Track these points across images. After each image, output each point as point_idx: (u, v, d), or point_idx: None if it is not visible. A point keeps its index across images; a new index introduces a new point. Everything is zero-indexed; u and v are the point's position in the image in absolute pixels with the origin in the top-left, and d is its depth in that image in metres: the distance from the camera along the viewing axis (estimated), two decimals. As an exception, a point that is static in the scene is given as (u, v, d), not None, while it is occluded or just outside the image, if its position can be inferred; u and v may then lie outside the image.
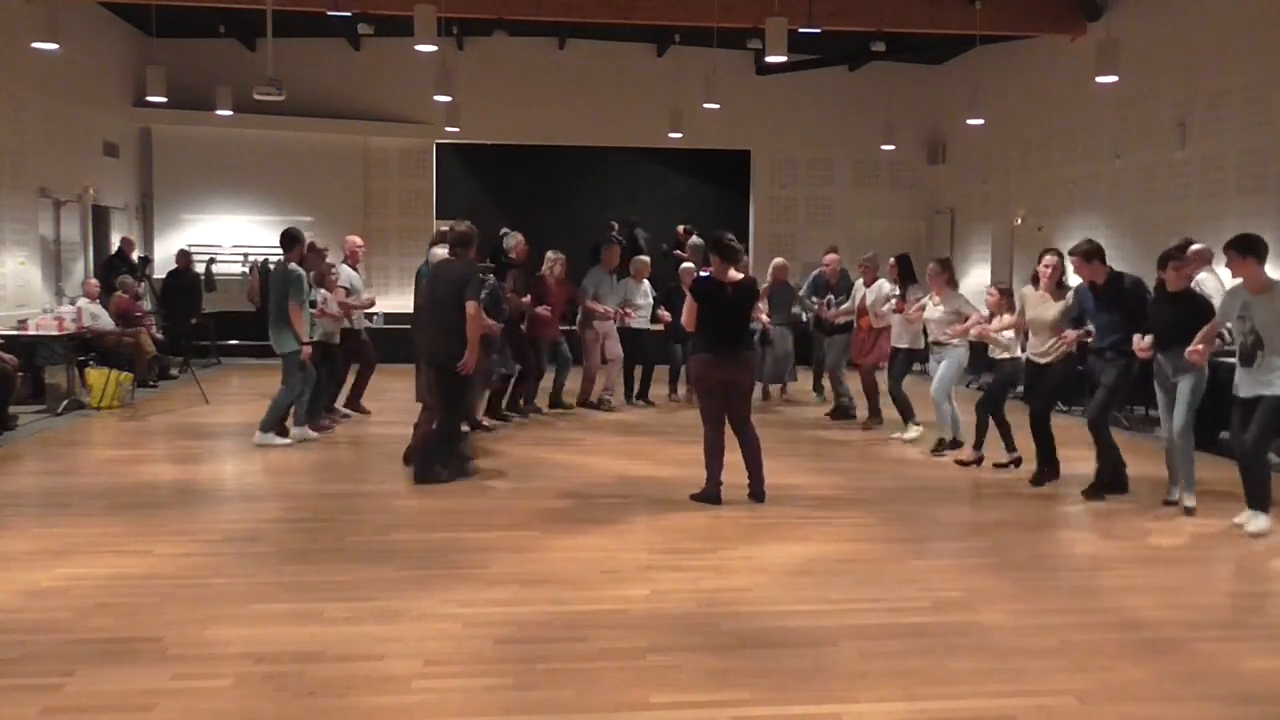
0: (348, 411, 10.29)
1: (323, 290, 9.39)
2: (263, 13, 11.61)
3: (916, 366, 9.87)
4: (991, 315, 8.11)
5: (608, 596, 4.92)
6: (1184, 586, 5.22)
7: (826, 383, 11.24)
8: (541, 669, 4.04)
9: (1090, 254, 6.89)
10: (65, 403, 10.23)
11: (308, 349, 8.66)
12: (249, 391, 12.44)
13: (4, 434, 8.88)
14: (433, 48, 10.32)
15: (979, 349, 8.91)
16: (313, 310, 8.94)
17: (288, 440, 8.81)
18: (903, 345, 9.23)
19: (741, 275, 6.78)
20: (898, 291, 9.31)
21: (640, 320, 11.24)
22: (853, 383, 10.55)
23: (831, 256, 10.95)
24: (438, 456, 7.40)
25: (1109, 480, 7.09)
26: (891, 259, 9.48)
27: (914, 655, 4.22)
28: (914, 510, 6.79)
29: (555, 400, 10.90)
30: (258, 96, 11.60)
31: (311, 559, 5.48)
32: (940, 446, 8.64)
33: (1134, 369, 6.89)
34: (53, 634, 4.32)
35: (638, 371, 11.46)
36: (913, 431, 9.25)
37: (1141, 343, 6.61)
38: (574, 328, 11.33)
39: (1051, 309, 7.35)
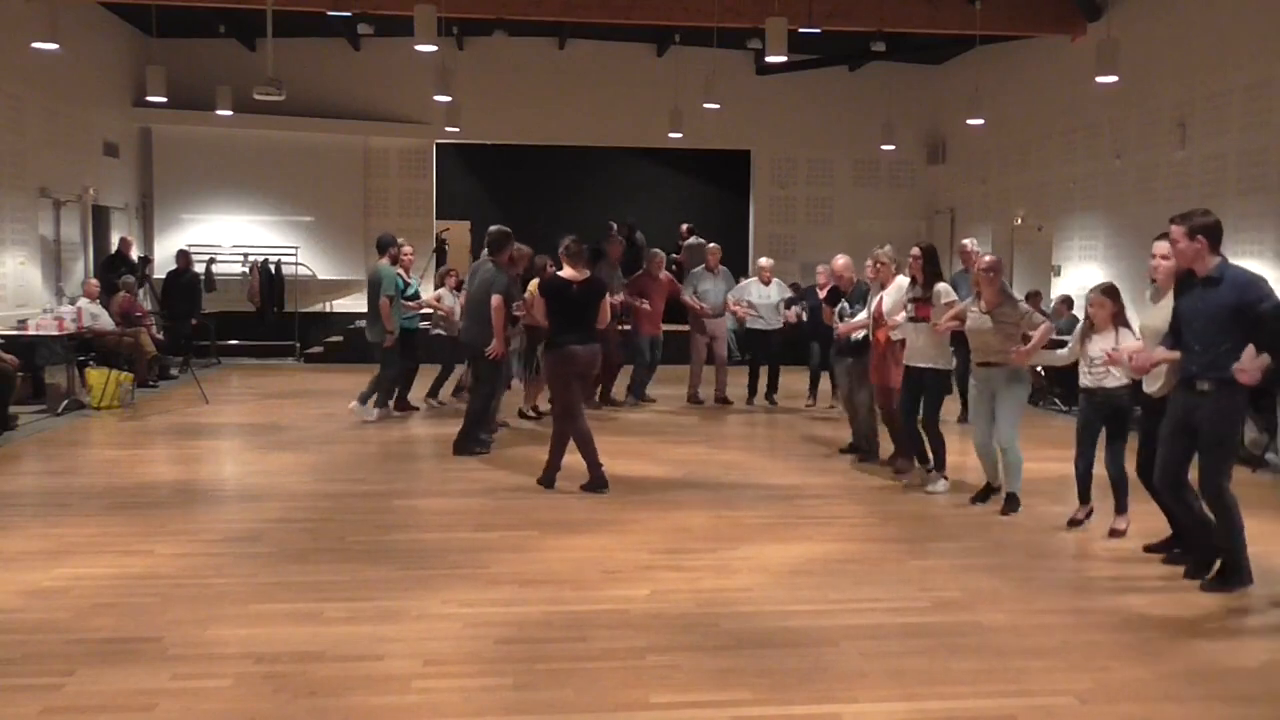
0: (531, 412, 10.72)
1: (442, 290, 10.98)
2: (263, 13, 11.62)
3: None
4: (1090, 329, 5.93)
5: (608, 596, 4.92)
6: (1184, 586, 5.21)
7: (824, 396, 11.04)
8: (541, 669, 4.04)
9: (1199, 229, 4.79)
10: (65, 403, 10.23)
11: (391, 337, 9.76)
12: (249, 391, 12.45)
13: (4, 434, 8.88)
14: (433, 48, 10.33)
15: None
16: (411, 304, 10.34)
17: (374, 416, 10.02)
18: (924, 364, 7.07)
19: (587, 275, 7.28)
20: (924, 294, 7.07)
21: (761, 322, 11.10)
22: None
23: (842, 261, 8.74)
24: (471, 432, 8.45)
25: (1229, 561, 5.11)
26: (915, 249, 7.25)
27: (914, 655, 4.22)
28: (914, 510, 6.79)
29: (637, 394, 11.32)
30: (258, 96, 11.61)
31: (311, 559, 5.48)
32: (988, 493, 6.80)
33: (1244, 405, 5.02)
34: (53, 634, 4.32)
35: (762, 372, 11.43)
36: (941, 485, 7.18)
37: (1250, 364, 4.55)
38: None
39: (1164, 314, 5.26)
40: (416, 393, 10.84)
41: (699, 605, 4.80)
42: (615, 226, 16.19)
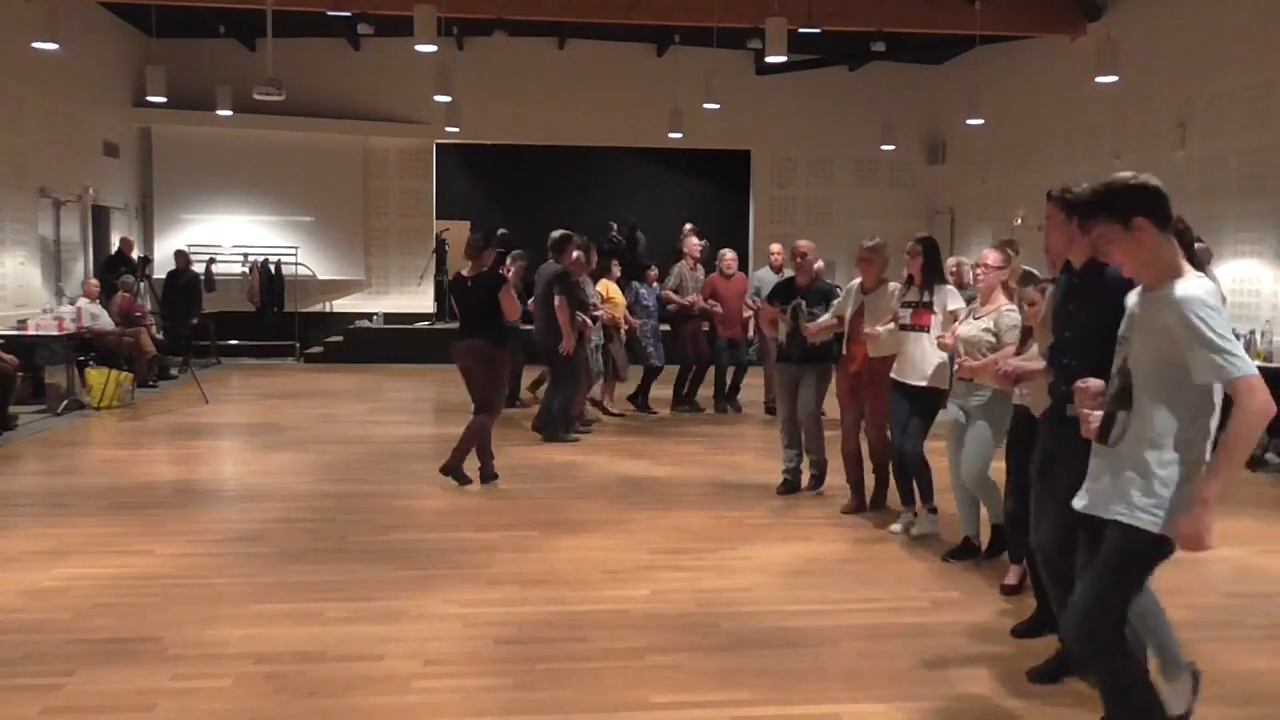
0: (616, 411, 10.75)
1: None
2: (263, 13, 11.61)
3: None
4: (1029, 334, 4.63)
5: (608, 596, 4.92)
6: (1184, 587, 5.21)
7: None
8: (541, 669, 4.04)
9: (1080, 205, 3.32)
10: (65, 403, 10.24)
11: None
12: (249, 391, 12.45)
13: (4, 434, 8.88)
14: (433, 48, 10.33)
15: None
16: None
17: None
18: (916, 381, 5.85)
19: (480, 270, 7.24)
20: (924, 298, 5.88)
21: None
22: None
23: (804, 244, 7.26)
24: (560, 423, 9.02)
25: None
26: (912, 243, 6.01)
27: (914, 655, 4.22)
28: (914, 510, 6.78)
29: (725, 398, 11.09)
30: (258, 96, 11.60)
31: (311, 559, 5.48)
32: (967, 551, 5.56)
33: None
34: (53, 634, 4.32)
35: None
36: (925, 524, 6.02)
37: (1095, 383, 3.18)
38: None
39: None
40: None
41: (699, 605, 4.80)
42: (616, 227, 16.21)
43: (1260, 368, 9.43)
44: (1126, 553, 2.92)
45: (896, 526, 6.14)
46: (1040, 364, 3.96)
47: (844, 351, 6.54)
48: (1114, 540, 2.94)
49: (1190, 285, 2.83)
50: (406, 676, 3.96)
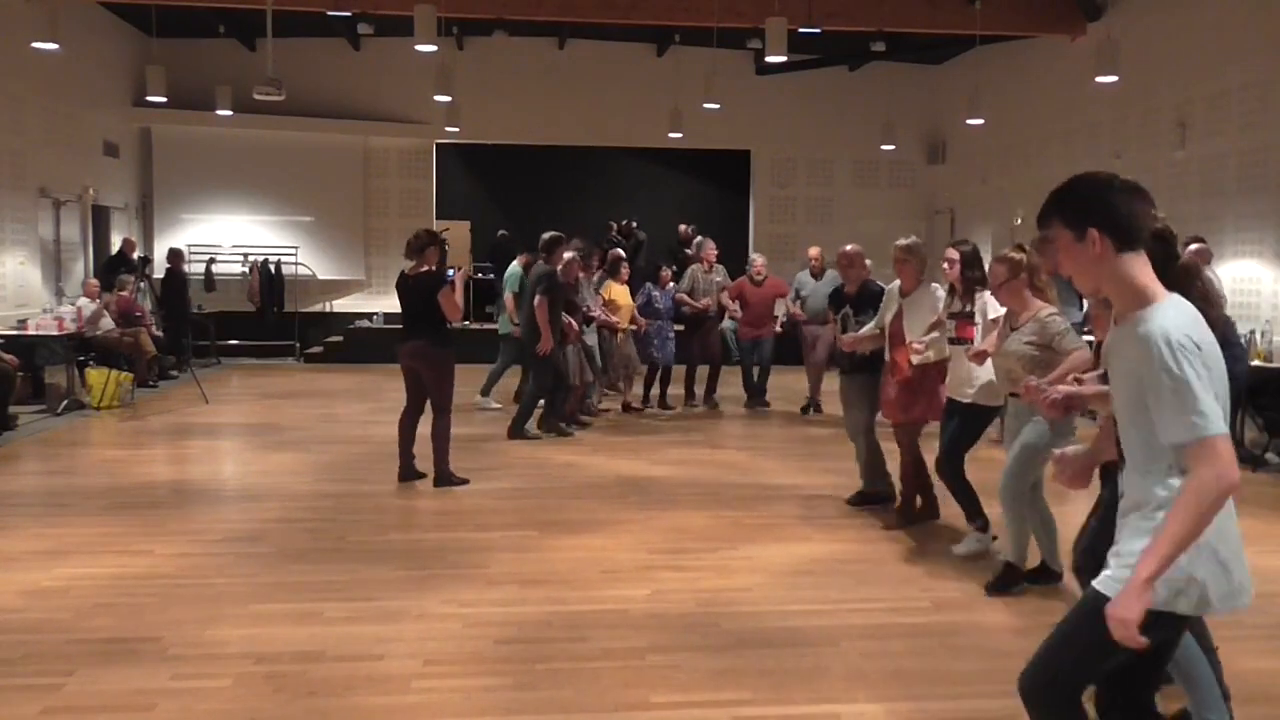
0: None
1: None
2: (263, 13, 11.61)
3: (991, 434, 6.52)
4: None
5: (608, 596, 4.92)
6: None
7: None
8: (541, 669, 4.04)
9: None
10: (65, 403, 10.24)
11: (516, 329, 10.25)
12: (249, 391, 12.45)
13: (4, 434, 8.88)
14: (433, 48, 10.34)
15: None
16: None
17: (497, 407, 10.79)
18: (961, 397, 5.50)
19: (424, 269, 7.18)
20: (965, 308, 5.56)
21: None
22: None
23: (851, 250, 6.89)
24: (522, 419, 9.13)
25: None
26: (952, 251, 5.64)
27: (914, 655, 4.22)
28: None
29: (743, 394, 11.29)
30: (258, 96, 11.61)
31: (311, 559, 5.48)
32: (1010, 580, 5.05)
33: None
34: (53, 634, 4.32)
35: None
36: (973, 543, 5.66)
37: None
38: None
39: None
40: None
41: (699, 605, 4.80)
42: (615, 226, 16.22)
43: (1260, 367, 9.36)
44: (1089, 617, 2.53)
45: (957, 548, 5.73)
46: (1101, 387, 3.01)
47: (886, 358, 6.23)
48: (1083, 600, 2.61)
49: (1159, 315, 2.32)
50: (406, 676, 3.96)
